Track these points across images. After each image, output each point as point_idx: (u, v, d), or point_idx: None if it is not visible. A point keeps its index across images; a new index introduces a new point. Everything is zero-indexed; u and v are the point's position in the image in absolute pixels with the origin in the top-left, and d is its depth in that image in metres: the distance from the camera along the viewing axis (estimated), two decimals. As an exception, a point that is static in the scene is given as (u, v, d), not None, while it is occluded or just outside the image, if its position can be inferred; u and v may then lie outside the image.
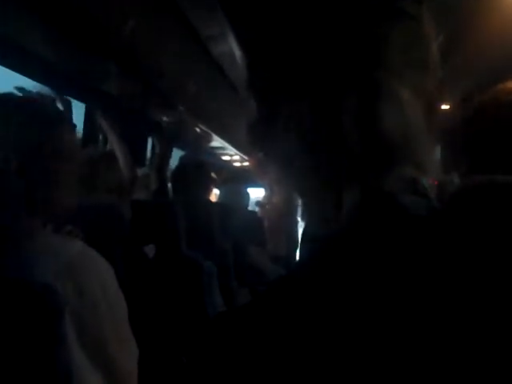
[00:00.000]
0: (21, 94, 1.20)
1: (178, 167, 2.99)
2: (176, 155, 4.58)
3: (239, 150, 5.55)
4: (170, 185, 2.81)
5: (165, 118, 3.82)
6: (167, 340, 1.80)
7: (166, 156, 2.83)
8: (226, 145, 5.15)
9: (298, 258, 3.52)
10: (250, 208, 4.02)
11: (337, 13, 0.55)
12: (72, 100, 2.57)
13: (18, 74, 2.16)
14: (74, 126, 1.24)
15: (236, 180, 3.67)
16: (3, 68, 2.06)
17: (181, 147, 4.70)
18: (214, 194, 3.95)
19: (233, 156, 5.87)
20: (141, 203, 1.90)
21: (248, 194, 3.77)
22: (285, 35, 0.57)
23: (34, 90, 1.23)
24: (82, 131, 2.90)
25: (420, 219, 0.56)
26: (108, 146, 2.87)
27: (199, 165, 2.99)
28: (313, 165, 0.57)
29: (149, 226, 1.98)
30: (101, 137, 3.06)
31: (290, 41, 0.57)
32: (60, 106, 1.69)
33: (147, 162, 3.76)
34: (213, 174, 3.22)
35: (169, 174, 3.16)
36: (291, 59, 0.56)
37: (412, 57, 0.56)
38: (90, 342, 1.01)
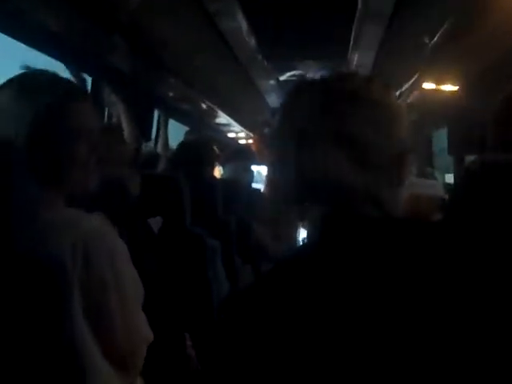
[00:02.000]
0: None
1: (182, 143, 2.99)
2: (181, 131, 4.60)
3: (245, 128, 5.54)
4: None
5: (171, 93, 3.81)
6: (170, 315, 1.81)
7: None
8: (232, 122, 5.14)
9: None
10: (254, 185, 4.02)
11: None
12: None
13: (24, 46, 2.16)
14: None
15: (241, 157, 3.66)
16: (12, 40, 2.06)
17: (186, 123, 4.69)
18: (218, 171, 3.95)
19: (238, 133, 5.86)
20: (147, 176, 1.90)
21: (252, 171, 3.76)
22: None
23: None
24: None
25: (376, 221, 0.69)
26: (114, 119, 2.86)
27: (203, 141, 2.99)
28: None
29: (154, 199, 1.98)
30: (106, 110, 3.06)
31: None
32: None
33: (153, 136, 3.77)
34: (217, 151, 3.22)
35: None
36: None
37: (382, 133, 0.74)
38: (95, 317, 1.01)
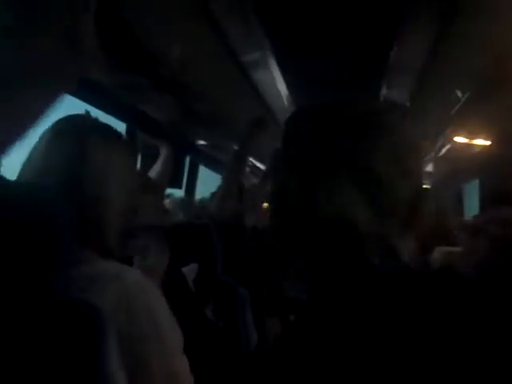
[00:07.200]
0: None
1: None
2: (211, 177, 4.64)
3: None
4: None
5: (203, 141, 3.86)
6: (198, 363, 1.79)
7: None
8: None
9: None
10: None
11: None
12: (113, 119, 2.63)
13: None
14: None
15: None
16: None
17: (217, 170, 4.74)
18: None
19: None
20: (181, 225, 1.91)
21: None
22: None
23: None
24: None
25: (386, 277, 0.65)
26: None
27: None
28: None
29: (187, 248, 1.99)
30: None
31: None
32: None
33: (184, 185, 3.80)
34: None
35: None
36: None
37: (398, 167, 0.66)
38: (133, 369, 1.00)
